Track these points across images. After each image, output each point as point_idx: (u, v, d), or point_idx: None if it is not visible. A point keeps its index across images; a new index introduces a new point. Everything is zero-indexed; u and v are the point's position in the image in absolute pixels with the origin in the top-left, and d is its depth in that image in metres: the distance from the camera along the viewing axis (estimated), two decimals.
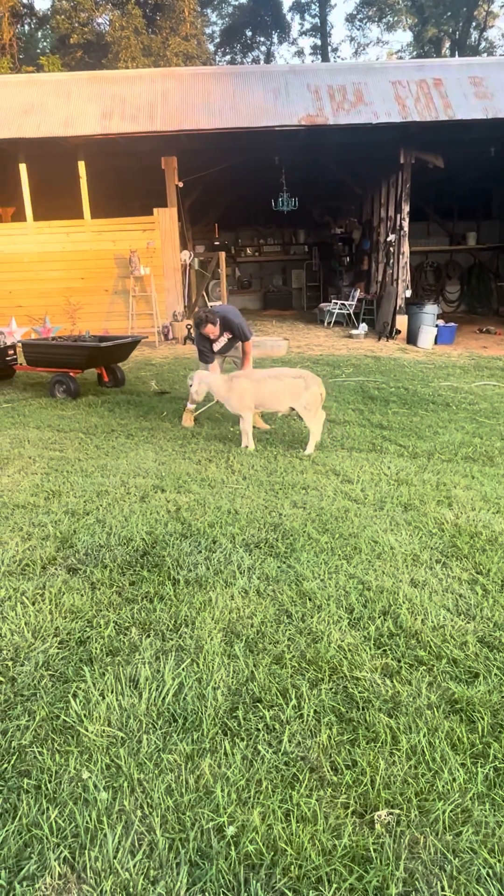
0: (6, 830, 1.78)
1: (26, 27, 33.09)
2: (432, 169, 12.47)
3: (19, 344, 8.80)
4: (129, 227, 12.50)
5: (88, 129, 11.53)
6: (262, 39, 37.52)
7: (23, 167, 12.15)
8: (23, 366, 8.59)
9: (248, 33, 37.03)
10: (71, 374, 7.89)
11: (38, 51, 32.01)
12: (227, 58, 36.93)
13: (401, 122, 11.44)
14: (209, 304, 12.88)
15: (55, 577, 3.22)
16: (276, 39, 37.66)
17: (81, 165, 12.21)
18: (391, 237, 12.99)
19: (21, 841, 1.75)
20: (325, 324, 14.68)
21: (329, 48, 38.07)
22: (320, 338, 13.17)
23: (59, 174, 13.37)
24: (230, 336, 6.19)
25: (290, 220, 16.97)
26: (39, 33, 34.21)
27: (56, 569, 3.32)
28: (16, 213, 14.60)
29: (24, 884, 1.64)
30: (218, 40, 36.85)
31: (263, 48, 37.77)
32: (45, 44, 33.54)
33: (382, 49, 39.30)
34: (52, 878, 1.66)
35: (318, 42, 38.25)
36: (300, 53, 40.01)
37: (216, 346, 6.25)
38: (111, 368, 8.56)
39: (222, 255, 13.55)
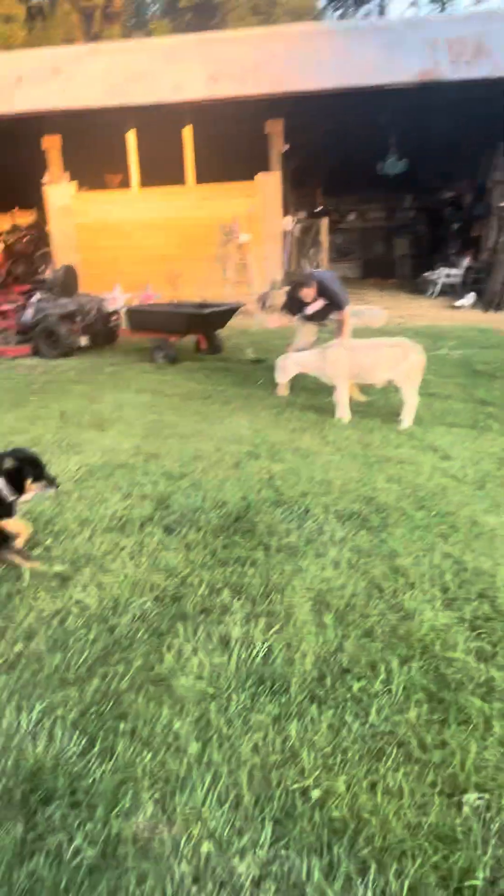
0: (104, 768, 1.89)
1: None
2: None
3: (123, 309, 9.09)
4: (231, 194, 12.48)
5: (196, 94, 11.53)
6: None
7: (130, 134, 12.37)
8: (126, 331, 8.87)
9: None
10: (171, 339, 8.06)
11: (149, 15, 32.16)
12: (338, 13, 35.46)
13: None
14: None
15: (152, 535, 3.35)
16: None
17: (187, 130, 12.25)
18: None
19: (117, 779, 1.86)
20: (429, 294, 14.08)
21: None
22: (423, 308, 12.67)
23: (164, 141, 13.49)
24: (326, 303, 6.07)
25: (397, 184, 16.26)
26: None
27: (153, 528, 3.44)
28: (122, 181, 14.93)
29: (120, 819, 1.74)
30: None
31: (377, 1, 35.96)
32: (154, 8, 33.63)
33: None
34: (144, 816, 1.76)
35: None
36: (415, 3, 37.78)
37: (308, 311, 6.16)
38: (209, 335, 8.67)
39: (324, 221, 13.26)
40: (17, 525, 3.01)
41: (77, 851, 1.65)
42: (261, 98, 11.38)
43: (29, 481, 2.97)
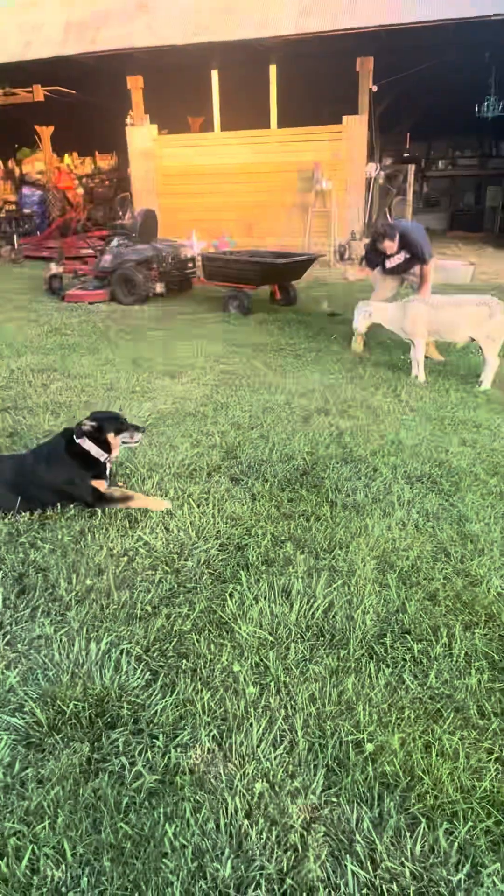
0: (165, 701, 1.98)
1: None
2: None
3: (199, 257, 9.03)
4: (315, 137, 11.99)
5: (285, 30, 11.01)
6: None
7: (214, 74, 12.02)
8: (201, 279, 8.83)
9: None
10: (245, 289, 7.98)
11: None
12: None
13: None
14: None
15: (219, 484, 3.39)
16: None
17: (272, 69, 11.78)
18: None
19: (177, 713, 1.95)
20: None
21: None
22: None
23: (248, 80, 13.03)
24: (408, 256, 5.81)
25: (494, 128, 15.17)
26: None
27: (220, 477, 3.49)
28: (204, 123, 14.61)
29: (178, 750, 1.83)
30: None
31: None
32: None
33: None
34: (201, 750, 1.83)
35: None
36: None
37: (389, 264, 5.92)
38: (284, 286, 8.52)
39: (411, 168, 12.62)
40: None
41: (138, 776, 1.74)
42: (353, 32, 10.73)
43: (111, 436, 3.04)
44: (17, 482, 3.04)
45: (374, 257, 6.04)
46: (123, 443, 3.14)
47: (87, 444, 3.00)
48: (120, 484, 3.30)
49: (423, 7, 10.48)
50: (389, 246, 5.68)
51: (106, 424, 3.05)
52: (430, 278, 5.86)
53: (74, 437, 3.02)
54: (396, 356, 6.03)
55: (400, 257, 5.83)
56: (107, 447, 3.05)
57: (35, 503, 3.05)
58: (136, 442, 3.20)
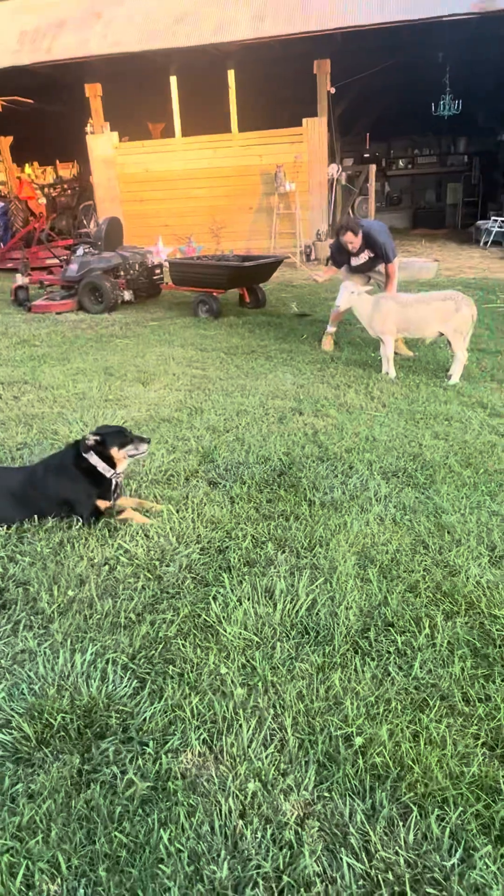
0: (154, 707, 1.97)
1: None
2: None
3: (165, 263, 9.01)
4: (276, 140, 12.09)
5: (240, 34, 11.08)
6: None
7: (173, 80, 12.03)
8: (168, 285, 8.82)
9: None
10: (214, 293, 7.99)
11: None
12: None
13: None
14: None
15: (197, 488, 3.39)
16: None
17: (231, 74, 11.84)
18: None
19: (166, 719, 1.94)
20: (482, 244, 13.52)
21: None
22: (475, 259, 12.18)
23: (207, 86, 13.07)
24: (371, 255, 5.87)
25: (450, 127, 15.46)
26: None
27: (198, 481, 3.49)
28: (165, 129, 14.61)
29: (169, 756, 1.82)
30: None
31: None
32: None
33: None
34: (192, 754, 1.83)
35: None
36: None
37: (354, 262, 5.96)
38: (252, 289, 8.55)
39: (372, 167, 12.79)
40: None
41: (130, 784, 1.74)
42: (308, 36, 10.84)
43: (115, 450, 2.99)
44: (26, 494, 3.04)
45: (339, 257, 6.09)
46: (130, 455, 3.06)
47: (94, 459, 2.96)
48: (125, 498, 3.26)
49: (376, 10, 10.65)
50: (351, 239, 5.71)
51: (109, 439, 2.98)
52: (395, 276, 5.92)
53: (81, 451, 2.98)
54: (367, 354, 6.10)
55: (364, 256, 5.88)
56: (111, 462, 3.00)
57: (40, 513, 3.03)
58: (143, 453, 3.12)
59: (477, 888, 1.48)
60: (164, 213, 12.66)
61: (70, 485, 3.01)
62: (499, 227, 13.19)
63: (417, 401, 4.78)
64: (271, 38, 10.95)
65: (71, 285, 8.82)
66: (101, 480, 3.00)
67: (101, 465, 2.97)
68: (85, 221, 13.98)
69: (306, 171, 12.02)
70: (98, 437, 2.98)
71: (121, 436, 3.03)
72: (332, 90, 11.76)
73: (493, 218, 13.56)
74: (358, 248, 5.82)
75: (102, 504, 3.03)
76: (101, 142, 13.00)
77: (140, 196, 12.96)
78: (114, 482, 3.01)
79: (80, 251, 8.88)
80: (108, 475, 2.99)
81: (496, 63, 12.93)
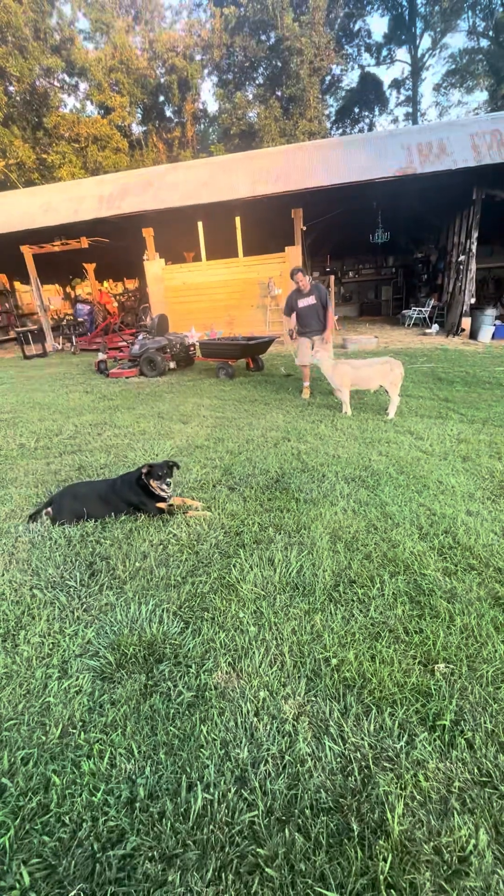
0: (195, 641, 1.95)
1: (202, 125, 32.70)
2: (498, 202, 10.82)
3: (196, 343, 9.12)
4: (267, 261, 12.29)
5: (243, 193, 11.34)
6: (367, 113, 33.81)
7: (200, 224, 12.30)
8: (199, 357, 8.90)
9: (357, 110, 33.62)
10: (229, 362, 8.05)
11: (210, 141, 31.62)
12: (340, 131, 34.01)
13: (475, 165, 9.98)
14: None
15: (220, 492, 3.39)
16: (377, 112, 33.81)
17: (237, 220, 12.10)
18: (461, 258, 11.57)
19: (203, 649, 1.92)
20: (406, 325, 13.60)
21: (419, 114, 33.67)
22: (402, 335, 12.24)
23: (222, 227, 13.38)
24: (314, 301, 5.75)
25: (383, 249, 15.69)
26: (210, 129, 33.67)
27: (221, 487, 3.48)
28: (195, 256, 14.91)
29: (205, 674, 1.80)
30: (334, 118, 33.82)
31: (368, 120, 34.18)
32: (213, 136, 33.03)
33: (462, 109, 33.89)
34: (221, 673, 1.81)
35: (410, 110, 33.94)
36: (396, 120, 35.63)
37: (301, 303, 5.76)
38: (255, 358, 8.61)
39: (332, 277, 12.90)
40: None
41: (179, 693, 1.72)
42: (287, 194, 11.11)
43: (152, 481, 2.95)
44: (107, 498, 3.02)
45: (291, 300, 5.79)
46: (158, 486, 2.96)
47: (146, 480, 2.95)
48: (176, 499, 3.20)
49: (333, 175, 10.91)
50: (302, 279, 5.60)
51: (152, 471, 2.94)
52: (332, 324, 5.86)
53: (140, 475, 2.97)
54: (332, 400, 6.12)
55: (310, 300, 5.86)
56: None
57: (118, 512, 3.01)
58: (161, 489, 2.95)
59: (419, 762, 1.45)
60: (196, 311, 12.83)
61: (135, 495, 3.01)
62: (417, 314, 13.28)
63: (367, 430, 4.78)
64: (263, 195, 11.22)
65: (135, 359, 8.92)
66: (153, 492, 2.99)
67: (151, 484, 2.96)
68: (143, 317, 14.17)
69: (288, 281, 12.15)
70: (145, 470, 2.95)
71: (160, 470, 2.97)
72: (304, 228, 11.96)
73: (413, 308, 13.67)
74: (307, 291, 5.75)
75: (161, 505, 3.03)
76: (154, 265, 13.25)
77: (179, 300, 13.15)
78: (160, 492, 2.99)
79: (140, 337, 8.99)
80: (156, 491, 2.97)
81: (411, 207, 13.18)
